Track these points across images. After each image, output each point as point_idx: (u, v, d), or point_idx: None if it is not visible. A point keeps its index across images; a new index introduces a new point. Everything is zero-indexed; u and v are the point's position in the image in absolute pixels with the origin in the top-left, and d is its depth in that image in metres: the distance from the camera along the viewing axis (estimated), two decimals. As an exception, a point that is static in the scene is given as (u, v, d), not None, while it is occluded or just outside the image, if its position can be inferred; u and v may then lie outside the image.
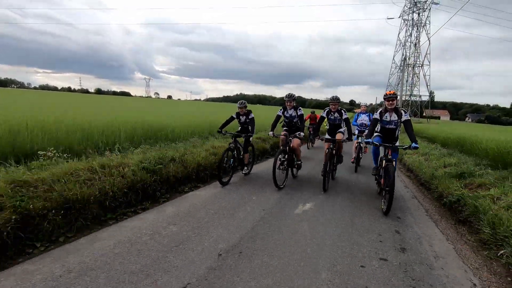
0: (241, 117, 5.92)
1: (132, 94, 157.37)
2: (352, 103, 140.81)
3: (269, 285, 2.33)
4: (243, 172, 5.99)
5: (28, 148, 4.79)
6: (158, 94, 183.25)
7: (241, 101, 5.97)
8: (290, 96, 5.73)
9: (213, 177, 5.53)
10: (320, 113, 6.55)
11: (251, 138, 5.96)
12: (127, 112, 12.89)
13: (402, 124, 4.68)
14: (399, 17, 52.74)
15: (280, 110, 5.93)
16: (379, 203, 4.66)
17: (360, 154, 7.58)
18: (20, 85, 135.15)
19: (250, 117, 5.87)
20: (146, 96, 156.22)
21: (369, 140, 4.51)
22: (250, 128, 5.85)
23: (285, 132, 5.79)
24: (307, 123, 10.79)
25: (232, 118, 5.94)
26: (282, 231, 3.38)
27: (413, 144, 4.24)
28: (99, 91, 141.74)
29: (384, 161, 4.43)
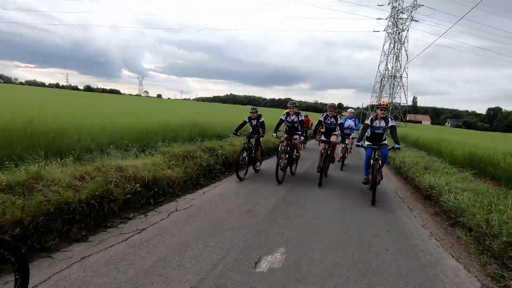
0: (252, 120, 6.86)
1: (121, 92, 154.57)
2: (339, 106, 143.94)
3: (308, 214, 3.30)
4: (256, 167, 6.92)
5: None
6: (147, 92, 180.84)
7: (253, 107, 6.93)
8: (293, 103, 6.71)
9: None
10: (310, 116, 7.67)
11: (261, 139, 6.92)
12: (166, 115, 13.70)
13: (388, 129, 5.71)
14: (384, 30, 58.75)
15: (284, 115, 6.88)
16: (364, 194, 5.69)
17: (346, 154, 8.76)
18: (6, 80, 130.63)
19: (260, 120, 6.82)
20: (136, 94, 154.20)
21: (359, 143, 5.52)
22: (261, 130, 6.78)
23: (286, 135, 6.70)
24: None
25: (245, 122, 6.86)
26: (299, 203, 4.36)
27: (396, 145, 5.28)
28: (88, 88, 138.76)
29: (372, 160, 5.45)
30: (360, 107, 65.91)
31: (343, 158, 8.73)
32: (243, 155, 6.25)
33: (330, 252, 3.15)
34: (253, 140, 6.87)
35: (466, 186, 5.42)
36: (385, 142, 5.76)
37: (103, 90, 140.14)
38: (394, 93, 58.70)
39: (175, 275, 2.49)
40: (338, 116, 6.86)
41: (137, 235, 3.17)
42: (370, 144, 5.59)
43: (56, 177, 3.41)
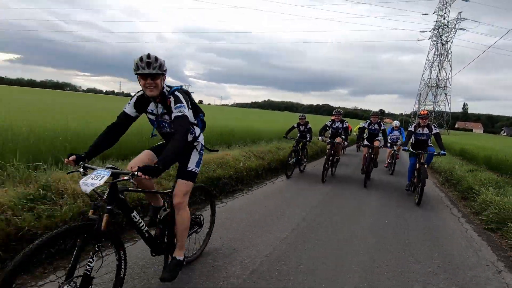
0: (301, 126, 7.47)
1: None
2: (381, 112, 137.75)
3: (346, 211, 3.84)
4: (300, 169, 7.50)
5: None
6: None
7: (302, 114, 7.58)
8: (339, 112, 7.29)
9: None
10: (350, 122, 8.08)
11: (307, 143, 7.50)
12: (222, 120, 15.24)
13: (433, 136, 5.93)
14: (429, 38, 57.24)
15: (329, 121, 7.43)
16: (409, 197, 5.93)
17: (394, 160, 8.83)
18: (72, 88, 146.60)
19: (308, 126, 7.40)
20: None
21: (406, 147, 5.83)
22: (308, 136, 7.36)
23: (331, 139, 7.20)
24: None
25: (293, 127, 7.52)
26: (341, 201, 4.85)
27: (442, 152, 5.49)
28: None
29: (418, 164, 5.72)
30: (403, 113, 63.54)
31: (391, 163, 8.87)
32: (291, 157, 6.87)
33: (368, 223, 3.62)
34: (298, 144, 7.48)
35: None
36: (431, 148, 5.98)
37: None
38: (439, 101, 57.33)
39: (275, 224, 3.81)
40: (381, 123, 7.22)
41: (246, 198, 4.86)
42: (415, 151, 5.85)
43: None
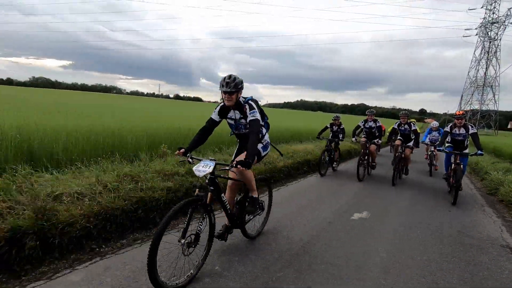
0: (334, 126, 7.70)
1: (204, 100, 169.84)
2: (422, 112, 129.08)
3: (381, 205, 4.11)
4: (333, 167, 7.74)
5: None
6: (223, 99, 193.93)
7: (336, 115, 7.82)
8: (371, 112, 7.41)
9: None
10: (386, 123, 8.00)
11: (340, 143, 7.71)
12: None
13: (469, 136, 5.84)
14: (476, 34, 53.27)
15: (362, 121, 7.57)
16: (445, 195, 5.91)
17: (434, 161, 8.65)
18: (118, 91, 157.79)
19: (341, 127, 7.62)
20: (214, 101, 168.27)
21: (441, 148, 5.82)
22: (341, 136, 7.58)
23: (365, 138, 7.35)
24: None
25: (326, 128, 7.78)
26: (373, 199, 5.07)
27: (479, 152, 5.41)
28: (177, 97, 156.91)
29: (453, 165, 5.69)
30: (447, 113, 59.47)
31: (430, 164, 8.69)
32: (324, 156, 7.16)
33: (399, 217, 3.85)
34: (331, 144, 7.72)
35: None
36: (467, 150, 5.89)
37: (189, 98, 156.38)
38: (486, 100, 53.28)
39: (317, 209, 4.47)
40: (412, 123, 7.19)
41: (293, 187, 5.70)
42: (450, 148, 5.84)
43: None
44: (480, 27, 52.39)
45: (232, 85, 2.60)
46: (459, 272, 2.85)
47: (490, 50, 51.72)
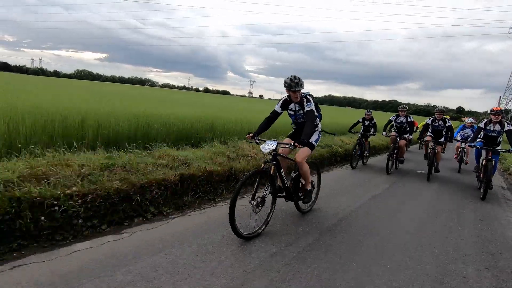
0: (365, 121, 8.01)
1: (231, 93, 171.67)
2: (459, 110, 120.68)
3: (406, 197, 4.52)
4: (363, 161, 8.07)
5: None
6: (251, 93, 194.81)
7: (368, 110, 8.11)
8: (404, 108, 7.60)
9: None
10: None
11: (370, 136, 8.02)
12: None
13: (504, 132, 5.89)
14: None
15: (393, 116, 7.77)
16: (474, 191, 6.07)
17: (464, 157, 8.47)
18: (151, 84, 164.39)
19: (373, 121, 7.91)
20: (241, 95, 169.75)
21: (472, 143, 5.95)
22: (372, 130, 7.88)
23: (395, 133, 7.58)
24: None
25: (358, 122, 8.09)
26: (405, 187, 5.43)
27: (511, 148, 5.53)
28: (206, 90, 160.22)
29: (484, 160, 5.83)
30: (488, 111, 56.04)
31: (460, 161, 8.46)
32: (356, 149, 7.52)
33: (419, 205, 4.22)
34: (362, 138, 8.03)
35: None
36: (499, 147, 5.96)
37: (217, 92, 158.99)
38: None
39: (351, 194, 5.02)
40: (446, 119, 7.28)
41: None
42: (482, 143, 5.95)
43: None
44: None
45: (298, 85, 3.31)
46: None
47: None
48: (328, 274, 2.47)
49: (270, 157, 3.14)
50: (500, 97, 53.62)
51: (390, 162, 7.15)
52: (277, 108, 3.61)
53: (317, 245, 2.98)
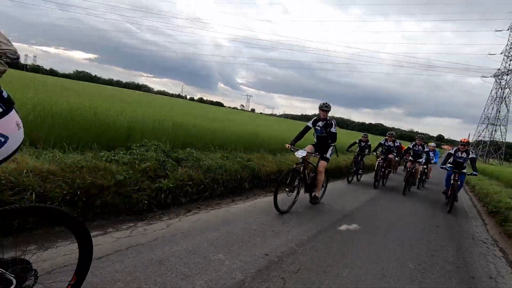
0: (362, 142, 9.39)
1: (225, 105, 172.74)
2: (440, 138, 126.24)
3: (392, 201, 5.91)
4: (358, 178, 9.42)
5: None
6: (243, 106, 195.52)
7: (364, 133, 9.68)
8: (391, 134, 9.28)
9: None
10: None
11: (365, 155, 9.52)
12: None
13: (469, 160, 7.37)
14: (493, 76, 60.86)
15: (383, 140, 9.35)
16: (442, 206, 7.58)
17: (424, 177, 10.15)
18: (146, 89, 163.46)
19: (368, 143, 9.38)
20: (240, 108, 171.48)
21: (444, 166, 7.48)
22: (366, 151, 9.36)
23: (383, 156, 9.04)
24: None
25: (355, 143, 9.56)
26: (385, 201, 6.85)
27: (474, 172, 7.01)
28: (200, 100, 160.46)
29: (452, 180, 7.31)
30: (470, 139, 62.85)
31: (421, 179, 10.02)
32: (353, 166, 8.95)
33: (397, 214, 5.63)
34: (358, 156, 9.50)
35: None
36: (465, 170, 7.50)
37: (211, 102, 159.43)
38: (497, 135, 61.36)
39: (350, 198, 6.32)
40: (424, 145, 8.98)
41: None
42: (452, 167, 7.48)
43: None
44: (495, 75, 60.27)
45: (328, 108, 5.00)
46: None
47: (502, 95, 59.99)
48: (346, 240, 3.83)
49: (301, 160, 4.66)
50: (469, 134, 63.66)
51: (378, 177, 8.56)
52: (310, 123, 5.21)
53: (333, 226, 4.35)
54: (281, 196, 4.34)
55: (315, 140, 5.31)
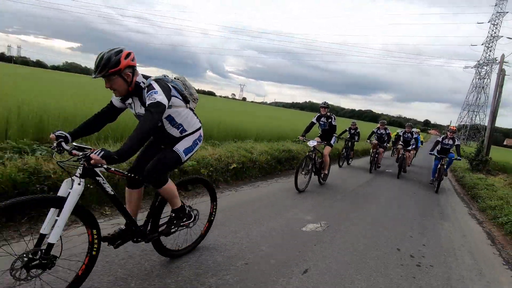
0: (351, 130, 9.63)
1: (216, 94, 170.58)
2: (426, 123, 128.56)
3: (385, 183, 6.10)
4: (348, 162, 9.67)
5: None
6: (234, 95, 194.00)
7: (353, 121, 9.81)
8: (383, 122, 9.47)
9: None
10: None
11: (355, 143, 9.67)
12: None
13: (454, 146, 7.69)
14: (473, 67, 64.47)
15: (376, 128, 9.49)
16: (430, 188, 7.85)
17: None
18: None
19: (357, 130, 9.60)
20: (231, 97, 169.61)
21: (432, 152, 7.69)
22: (356, 137, 9.51)
23: (376, 141, 9.22)
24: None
25: (345, 130, 9.73)
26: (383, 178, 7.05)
27: (458, 157, 7.35)
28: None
29: (439, 165, 7.54)
30: (450, 125, 64.67)
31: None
32: (343, 151, 9.10)
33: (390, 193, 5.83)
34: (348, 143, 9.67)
35: None
36: (451, 154, 7.75)
37: (203, 92, 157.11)
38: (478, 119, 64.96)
39: (348, 182, 6.18)
40: (413, 132, 9.24)
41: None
42: (439, 156, 7.71)
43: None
44: (475, 67, 63.89)
45: (328, 106, 5.91)
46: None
47: (482, 84, 63.93)
48: (355, 207, 4.06)
49: (312, 149, 5.43)
50: (451, 121, 66.54)
51: (371, 162, 8.82)
52: (314, 119, 6.04)
53: (344, 197, 5.12)
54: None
55: (319, 132, 6.25)
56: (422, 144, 14.55)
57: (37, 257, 1.53)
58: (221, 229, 3.09)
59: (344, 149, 9.19)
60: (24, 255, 1.50)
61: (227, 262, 2.47)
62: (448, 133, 7.74)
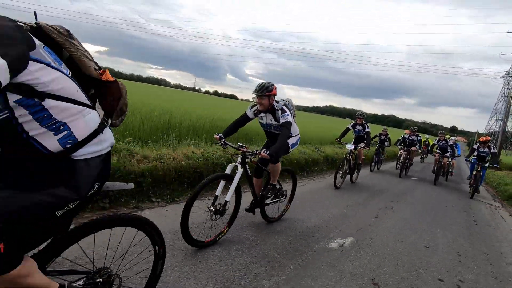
0: (382, 136, 9.69)
1: (238, 98, 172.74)
2: (453, 129, 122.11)
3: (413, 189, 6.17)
4: (378, 167, 9.69)
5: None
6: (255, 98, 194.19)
7: (385, 128, 9.81)
8: (413, 129, 9.65)
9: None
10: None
11: (386, 147, 9.72)
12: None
13: (491, 154, 7.60)
14: (502, 76, 57.06)
15: (406, 134, 9.61)
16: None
17: (451, 169, 10.06)
18: (165, 84, 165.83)
19: (388, 136, 9.66)
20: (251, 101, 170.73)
21: (468, 159, 7.66)
22: (386, 143, 9.57)
23: (406, 147, 9.25)
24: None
25: (376, 136, 9.76)
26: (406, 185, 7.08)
27: (495, 165, 7.26)
28: (215, 93, 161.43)
29: (475, 171, 7.44)
30: (479, 131, 61.43)
31: (448, 171, 9.99)
32: (374, 157, 9.23)
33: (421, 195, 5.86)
34: (379, 148, 9.74)
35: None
36: (487, 164, 7.63)
37: (225, 95, 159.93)
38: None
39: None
40: (448, 140, 9.33)
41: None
42: (475, 160, 7.67)
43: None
44: (503, 77, 57.15)
45: (362, 115, 6.61)
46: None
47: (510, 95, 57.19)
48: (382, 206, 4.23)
49: (349, 151, 5.90)
50: (477, 129, 62.59)
51: (402, 167, 8.87)
52: (349, 126, 6.80)
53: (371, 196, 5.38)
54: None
55: (354, 137, 6.96)
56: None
57: (220, 208, 2.57)
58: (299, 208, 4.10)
59: (375, 156, 9.32)
60: (212, 207, 2.54)
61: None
62: (482, 144, 7.67)
